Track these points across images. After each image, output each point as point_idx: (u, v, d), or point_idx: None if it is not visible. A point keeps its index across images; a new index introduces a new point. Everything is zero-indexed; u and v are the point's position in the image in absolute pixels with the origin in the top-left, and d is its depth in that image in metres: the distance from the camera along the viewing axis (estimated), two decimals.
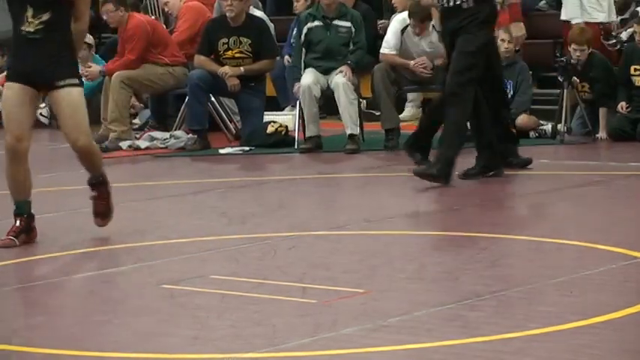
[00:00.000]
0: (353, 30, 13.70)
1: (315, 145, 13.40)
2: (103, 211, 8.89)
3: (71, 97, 8.49)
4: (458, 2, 10.37)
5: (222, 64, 13.86)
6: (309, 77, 13.48)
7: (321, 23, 13.70)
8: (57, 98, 8.57)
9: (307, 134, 13.48)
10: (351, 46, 13.68)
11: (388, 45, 13.69)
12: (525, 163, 11.59)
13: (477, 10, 10.45)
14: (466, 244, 8.60)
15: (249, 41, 13.94)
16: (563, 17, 14.91)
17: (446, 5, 10.47)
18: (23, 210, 8.67)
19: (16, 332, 6.49)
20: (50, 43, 8.46)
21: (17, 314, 7.00)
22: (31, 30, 8.35)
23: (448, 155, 10.62)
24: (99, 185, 8.96)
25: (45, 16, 8.35)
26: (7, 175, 8.59)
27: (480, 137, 11.25)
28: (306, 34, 13.76)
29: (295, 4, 16.36)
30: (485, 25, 10.59)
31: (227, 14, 13.95)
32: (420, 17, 13.52)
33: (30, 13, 8.32)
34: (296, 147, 13.47)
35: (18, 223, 8.64)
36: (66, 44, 8.60)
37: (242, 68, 13.69)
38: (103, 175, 8.97)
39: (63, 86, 8.44)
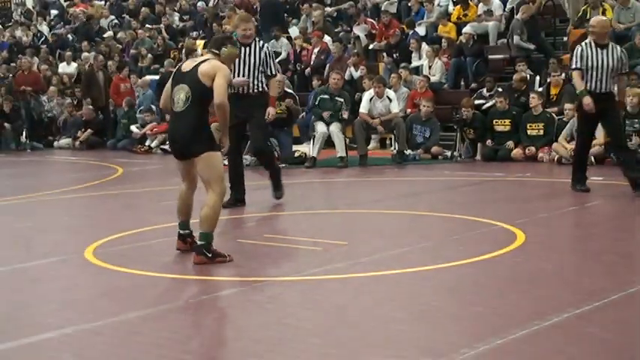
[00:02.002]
0: (344, 102, 13.80)
1: (312, 163, 13.32)
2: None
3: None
4: (248, 91, 8.96)
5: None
6: (321, 127, 13.63)
7: (328, 97, 13.78)
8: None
9: (310, 154, 13.49)
10: (344, 109, 13.74)
11: (363, 108, 13.81)
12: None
13: (260, 96, 9.11)
14: (403, 219, 8.57)
15: (285, 104, 13.99)
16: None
17: (240, 92, 8.96)
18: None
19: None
20: None
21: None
22: None
23: (279, 184, 9.54)
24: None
25: None
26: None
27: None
28: (319, 101, 13.86)
29: (314, 82, 16.54)
30: (264, 107, 9.15)
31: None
32: (378, 82, 13.86)
33: None
34: (305, 164, 13.42)
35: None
36: None
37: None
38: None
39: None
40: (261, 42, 9.28)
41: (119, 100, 18.75)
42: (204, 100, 6.45)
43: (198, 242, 6.44)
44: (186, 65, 6.63)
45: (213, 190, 6.41)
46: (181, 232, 6.78)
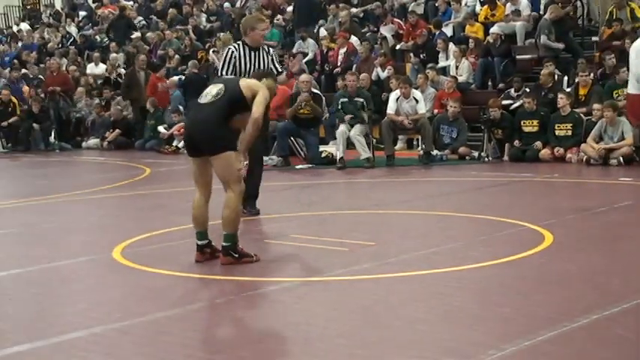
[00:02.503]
0: (364, 103, 13.77)
1: (343, 164, 13.24)
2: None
3: None
4: None
5: (298, 117, 13.88)
6: (343, 127, 13.59)
7: (347, 100, 13.77)
8: None
9: (338, 156, 13.40)
10: (364, 111, 13.70)
11: (390, 108, 13.77)
12: None
13: None
14: (430, 219, 8.54)
15: (312, 105, 14.03)
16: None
17: None
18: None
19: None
20: None
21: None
22: None
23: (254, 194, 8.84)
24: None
25: None
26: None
27: None
28: (341, 104, 13.82)
29: (338, 83, 16.45)
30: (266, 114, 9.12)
31: (302, 89, 14.01)
32: (404, 82, 13.81)
33: None
34: (337, 165, 13.35)
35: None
36: None
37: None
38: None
39: None
40: (266, 46, 9.03)
41: (157, 98, 18.78)
42: (234, 103, 6.30)
43: (224, 244, 6.39)
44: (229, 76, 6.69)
45: (232, 190, 6.32)
46: (199, 243, 6.54)
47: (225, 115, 6.29)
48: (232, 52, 8.63)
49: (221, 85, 6.42)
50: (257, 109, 6.25)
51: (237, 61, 8.55)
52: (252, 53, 8.62)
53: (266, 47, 9.01)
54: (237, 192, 6.36)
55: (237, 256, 6.38)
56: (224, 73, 8.54)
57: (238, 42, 8.80)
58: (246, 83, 6.43)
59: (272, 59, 8.89)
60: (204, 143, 6.29)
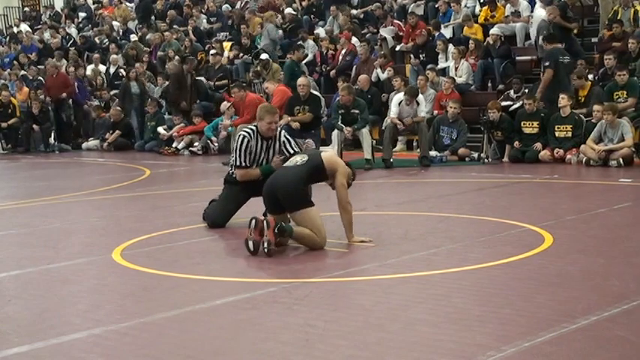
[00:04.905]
0: (359, 112, 13.67)
1: None
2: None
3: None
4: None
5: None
6: (335, 132, 13.66)
7: (344, 111, 13.74)
8: None
9: None
10: (359, 119, 13.64)
11: (392, 112, 13.79)
12: None
13: None
14: (430, 220, 8.52)
15: (309, 107, 14.01)
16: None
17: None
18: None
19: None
20: None
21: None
22: None
23: None
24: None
25: None
26: None
27: None
28: (340, 115, 13.75)
29: (339, 84, 16.38)
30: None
31: (300, 93, 14.00)
32: (411, 95, 13.61)
33: None
34: None
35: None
36: None
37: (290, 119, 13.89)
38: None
39: None
40: (279, 129, 8.27)
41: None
42: (314, 172, 7.16)
43: (285, 225, 6.85)
44: None
45: (317, 236, 6.97)
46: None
47: (305, 179, 7.13)
48: (247, 140, 8.07)
49: (305, 156, 7.27)
50: (343, 194, 7.18)
51: (251, 149, 8.09)
52: (265, 143, 8.13)
53: (279, 132, 8.24)
54: (321, 238, 6.97)
55: (273, 237, 6.73)
56: (242, 162, 8.11)
57: (253, 127, 8.17)
58: (327, 157, 7.24)
59: (285, 142, 8.19)
60: (284, 200, 7.04)
